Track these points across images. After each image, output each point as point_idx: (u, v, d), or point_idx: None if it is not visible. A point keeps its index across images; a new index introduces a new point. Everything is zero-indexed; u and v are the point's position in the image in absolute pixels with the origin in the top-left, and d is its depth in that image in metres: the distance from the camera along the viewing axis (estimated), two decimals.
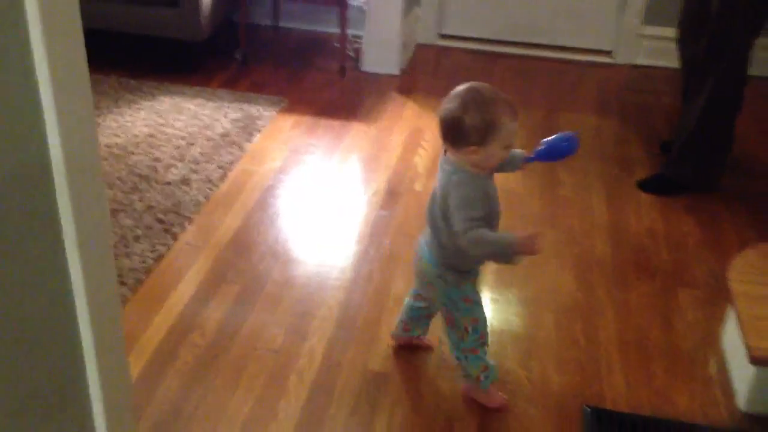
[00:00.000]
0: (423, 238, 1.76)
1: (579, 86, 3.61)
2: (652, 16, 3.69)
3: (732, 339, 1.95)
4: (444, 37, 3.97)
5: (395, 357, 1.97)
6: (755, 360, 1.74)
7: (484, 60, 3.82)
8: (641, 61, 3.79)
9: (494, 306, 2.19)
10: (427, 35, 3.94)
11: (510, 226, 2.49)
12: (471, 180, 1.59)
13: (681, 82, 2.95)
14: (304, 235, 2.46)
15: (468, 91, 1.56)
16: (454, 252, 1.65)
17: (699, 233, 2.53)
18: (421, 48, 3.92)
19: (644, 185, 2.79)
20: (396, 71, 3.60)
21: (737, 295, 1.91)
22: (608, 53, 3.83)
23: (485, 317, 1.77)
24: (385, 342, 2.01)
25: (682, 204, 2.67)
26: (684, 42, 2.85)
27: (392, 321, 2.08)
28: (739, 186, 2.82)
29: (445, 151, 1.64)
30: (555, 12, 3.81)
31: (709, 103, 2.63)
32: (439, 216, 1.65)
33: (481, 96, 1.55)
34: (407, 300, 1.92)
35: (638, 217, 2.60)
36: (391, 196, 2.68)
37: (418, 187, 2.74)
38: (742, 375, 1.86)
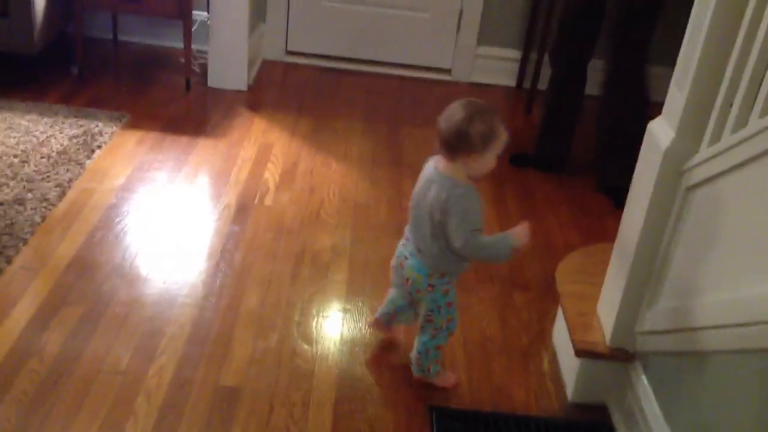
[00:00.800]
0: (405, 249, 1.84)
1: (421, 102, 3.78)
2: (485, 37, 3.94)
3: (561, 335, 2.13)
4: (291, 53, 4.01)
5: (247, 371, 1.97)
6: (579, 353, 1.92)
7: (331, 76, 3.91)
8: (477, 79, 4.02)
9: (346, 313, 2.25)
10: (274, 51, 3.97)
11: (358, 238, 2.58)
12: (471, 192, 1.71)
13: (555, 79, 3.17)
14: (152, 253, 2.41)
15: (469, 103, 1.71)
16: (448, 260, 1.78)
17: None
18: (268, 64, 3.94)
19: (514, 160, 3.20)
20: (243, 87, 3.60)
21: (564, 295, 2.09)
22: (447, 71, 4.04)
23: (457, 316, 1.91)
24: (238, 356, 2.01)
25: (515, 211, 2.87)
26: (558, 58, 3.10)
27: (245, 335, 2.09)
28: (562, 192, 3.08)
29: (435, 167, 1.74)
30: (398, 31, 3.97)
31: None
32: (431, 228, 1.73)
33: (482, 107, 1.71)
34: (391, 297, 2.02)
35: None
36: (242, 211, 2.68)
37: (268, 201, 2.76)
38: (569, 367, 2.03)
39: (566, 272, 2.19)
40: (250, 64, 3.65)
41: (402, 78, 3.98)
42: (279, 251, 2.49)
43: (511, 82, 4.02)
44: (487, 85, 4.01)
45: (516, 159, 3.22)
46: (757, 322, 1.37)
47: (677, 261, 1.71)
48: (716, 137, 1.58)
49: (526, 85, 3.93)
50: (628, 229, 1.85)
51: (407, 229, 1.87)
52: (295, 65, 3.97)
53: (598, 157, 3.12)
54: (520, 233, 1.77)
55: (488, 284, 2.45)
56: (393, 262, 1.93)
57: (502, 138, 1.70)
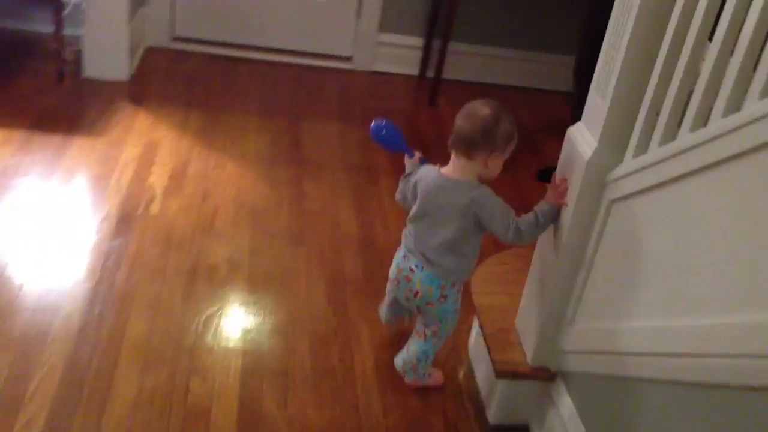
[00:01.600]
0: (408, 262, 1.79)
1: (321, 92, 3.57)
2: (387, 24, 3.76)
3: (478, 349, 2.01)
4: (178, 39, 3.69)
5: (132, 416, 1.74)
6: (500, 374, 1.79)
7: (225, 65, 3.63)
8: (379, 67, 3.84)
9: (247, 337, 2.04)
10: (159, 37, 3.65)
11: (258, 248, 2.35)
12: (489, 189, 1.69)
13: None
14: (17, 277, 2.11)
15: (490, 101, 1.68)
16: (461, 267, 1.77)
17: None
18: (152, 51, 3.61)
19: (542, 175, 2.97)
20: (124, 77, 3.27)
21: (481, 309, 1.96)
22: (348, 59, 3.84)
23: None
24: (121, 398, 1.77)
25: None
26: (581, 73, 2.80)
27: (130, 372, 1.85)
28: None
29: (439, 172, 1.72)
30: (295, 16, 3.73)
31: None
32: (455, 234, 1.70)
33: (503, 106, 1.69)
34: (390, 306, 2.00)
35: (386, 230, 2.61)
36: (125, 222, 2.40)
37: (155, 209, 2.49)
38: (488, 386, 1.91)
39: (481, 282, 2.07)
40: (132, 51, 3.32)
41: (300, 67, 3.75)
42: (168, 268, 2.24)
43: (414, 71, 3.87)
44: (389, 74, 3.84)
45: (546, 175, 2.98)
46: (683, 354, 1.28)
47: (600, 278, 1.61)
48: (642, 148, 1.47)
49: (430, 74, 3.79)
50: (548, 242, 1.73)
51: (409, 242, 1.80)
52: (183, 53, 3.66)
53: None
54: (554, 193, 1.68)
55: None
56: (393, 275, 1.85)
57: (516, 141, 1.70)
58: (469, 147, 1.67)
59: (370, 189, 2.83)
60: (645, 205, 1.45)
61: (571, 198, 1.62)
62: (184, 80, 3.42)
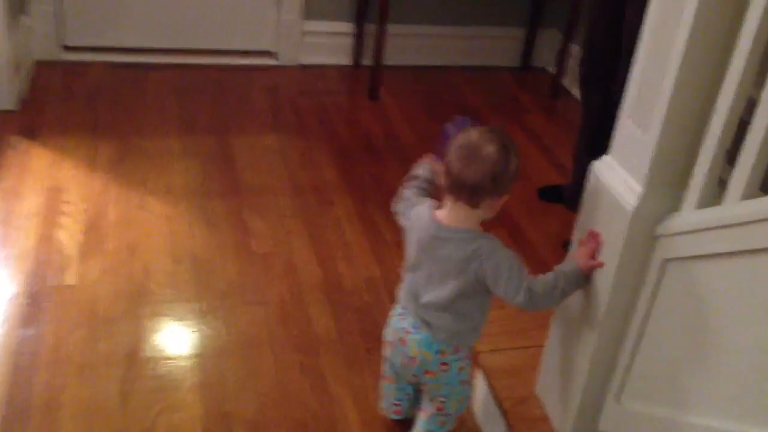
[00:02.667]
0: (403, 321, 1.50)
1: (248, 97, 3.12)
2: (311, 11, 3.33)
3: (489, 423, 1.69)
4: (70, 49, 3.16)
5: None
6: None
7: (131, 74, 3.12)
8: (307, 60, 3.42)
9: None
10: (47, 49, 3.10)
11: (209, 312, 1.94)
12: (495, 239, 1.39)
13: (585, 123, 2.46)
14: None
15: (493, 133, 1.36)
16: (463, 329, 1.47)
17: None
18: (42, 67, 3.07)
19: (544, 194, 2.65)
20: (11, 105, 2.74)
21: (490, 373, 1.65)
22: (272, 54, 3.40)
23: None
24: None
25: (392, 242, 2.37)
26: (589, 83, 2.36)
27: None
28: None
29: (434, 219, 1.42)
30: (207, 10, 3.24)
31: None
32: (456, 291, 1.40)
33: (504, 133, 1.39)
34: (393, 387, 1.63)
35: (351, 266, 2.24)
36: (36, 301, 1.95)
37: (71, 278, 2.04)
38: None
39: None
40: (16, 70, 2.79)
41: (219, 68, 3.28)
42: (98, 358, 1.81)
43: (347, 61, 3.47)
44: (320, 67, 3.43)
45: (548, 193, 2.64)
46: None
47: (655, 350, 1.30)
48: (707, 197, 1.16)
49: (366, 62, 3.40)
50: (575, 297, 1.41)
51: (404, 298, 1.52)
52: (80, 65, 3.13)
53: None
54: (584, 253, 1.36)
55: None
56: (389, 336, 1.56)
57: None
58: (475, 195, 1.36)
59: (324, 215, 2.45)
60: (716, 274, 1.14)
61: (610, 255, 1.30)
62: (85, 99, 2.91)
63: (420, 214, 1.46)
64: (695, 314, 1.20)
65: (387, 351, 1.58)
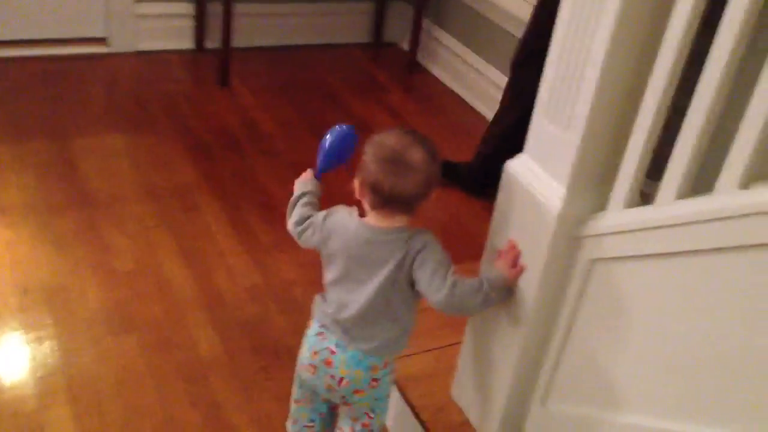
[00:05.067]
0: (325, 341, 1.34)
1: (82, 92, 2.79)
2: None
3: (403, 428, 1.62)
4: None
5: None
6: None
7: None
8: (144, 45, 3.12)
9: None
10: None
11: (69, 353, 1.70)
12: (428, 233, 1.29)
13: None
14: None
15: (409, 133, 1.26)
16: (401, 339, 1.35)
17: (303, 282, 2.12)
18: None
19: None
20: None
21: (402, 382, 1.57)
22: (102, 41, 3.05)
23: None
24: None
25: (270, 244, 2.21)
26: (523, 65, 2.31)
27: None
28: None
29: (363, 223, 1.29)
30: None
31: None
32: (398, 299, 1.30)
33: (417, 133, 1.28)
34: (308, 411, 1.47)
35: (230, 276, 2.06)
36: None
37: None
38: None
39: None
40: None
41: (45, 59, 2.91)
42: None
43: (189, 45, 3.20)
44: (159, 53, 3.14)
45: (448, 171, 2.42)
46: None
47: (581, 352, 1.28)
48: (634, 197, 1.13)
49: (210, 45, 3.15)
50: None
51: (324, 314, 1.36)
52: None
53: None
54: (506, 263, 1.29)
55: (273, 360, 1.81)
56: (307, 360, 1.38)
57: None
58: (412, 203, 1.26)
59: (191, 222, 2.24)
60: (647, 274, 1.12)
61: (534, 257, 1.24)
62: None
63: (342, 222, 1.32)
64: (622, 313, 1.17)
65: (304, 374, 1.43)
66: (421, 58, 3.37)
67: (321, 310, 1.38)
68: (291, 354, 1.83)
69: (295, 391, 1.50)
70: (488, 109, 2.95)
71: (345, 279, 1.33)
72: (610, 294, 1.19)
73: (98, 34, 3.03)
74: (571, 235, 1.21)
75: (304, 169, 1.46)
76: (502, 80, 2.89)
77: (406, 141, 1.23)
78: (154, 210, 2.25)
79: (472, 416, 1.49)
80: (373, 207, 1.27)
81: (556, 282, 1.25)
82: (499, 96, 2.91)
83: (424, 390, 1.56)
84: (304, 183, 1.45)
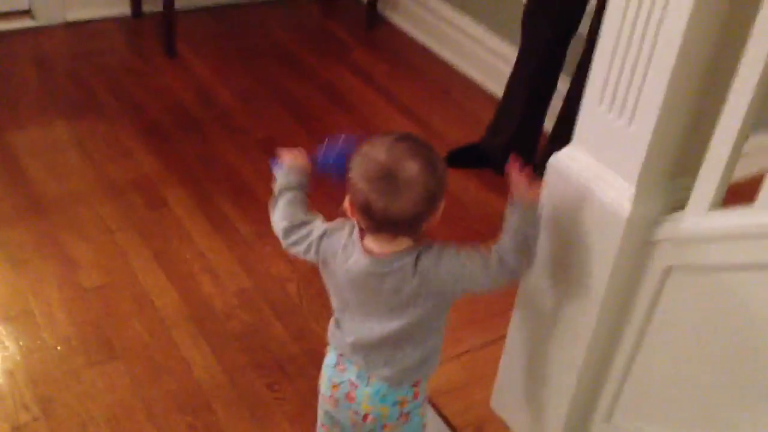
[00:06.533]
0: (346, 374, 1.19)
1: (12, 75, 2.47)
2: None
3: None
4: None
5: None
6: None
7: None
8: (73, 15, 2.78)
9: None
10: None
11: (42, 391, 1.49)
12: (433, 244, 1.11)
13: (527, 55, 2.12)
14: None
15: (400, 139, 1.05)
16: (428, 354, 1.18)
17: (293, 287, 1.92)
18: None
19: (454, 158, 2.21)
20: None
21: (433, 397, 1.42)
22: (27, 13, 2.71)
23: None
24: None
25: (253, 234, 2.00)
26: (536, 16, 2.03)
27: None
28: None
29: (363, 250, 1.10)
30: None
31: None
32: (404, 325, 1.12)
33: (415, 139, 1.07)
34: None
35: (215, 280, 1.85)
36: None
37: None
38: None
39: None
40: None
41: None
42: None
43: (124, 10, 2.88)
44: (91, 22, 2.81)
45: (458, 157, 2.22)
46: None
47: (656, 366, 1.14)
48: (719, 194, 0.98)
49: (150, 7, 2.84)
50: (541, 302, 1.20)
51: (340, 338, 1.19)
52: None
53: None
54: (522, 188, 1.10)
55: (284, 381, 1.64)
56: (328, 391, 1.23)
57: None
58: (414, 225, 1.07)
59: (160, 220, 2.00)
60: (735, 286, 0.99)
61: (600, 263, 1.09)
62: None
63: (341, 248, 1.14)
64: (706, 326, 1.04)
65: (327, 406, 1.27)
66: (382, 9, 3.12)
67: (337, 337, 1.21)
68: (297, 364, 1.67)
69: (321, 416, 1.34)
70: (466, 64, 2.74)
71: (356, 308, 1.16)
72: (691, 305, 1.06)
73: (21, 6, 2.68)
74: (642, 240, 1.06)
75: (275, 146, 1.24)
76: (478, 30, 2.69)
77: (397, 152, 1.03)
78: (117, 210, 2.01)
79: (519, 430, 1.36)
80: (368, 231, 1.08)
81: (624, 291, 1.11)
82: (479, 49, 2.71)
83: (460, 405, 1.42)
84: (291, 169, 1.21)
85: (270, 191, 1.22)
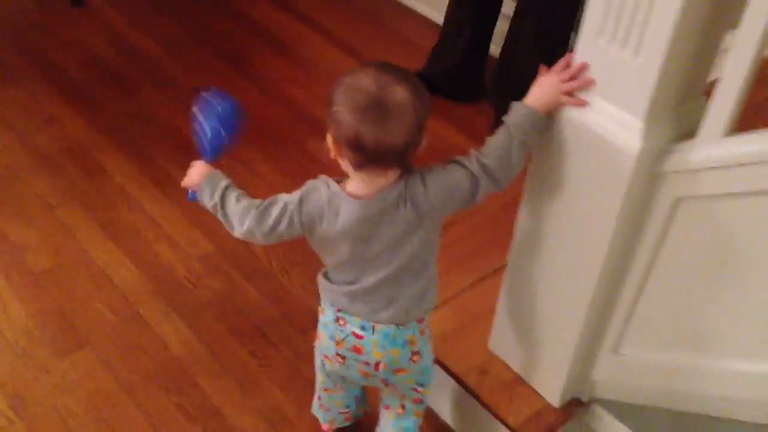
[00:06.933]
0: (346, 327, 1.15)
1: None
2: None
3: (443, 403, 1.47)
4: None
5: None
6: None
7: None
8: None
9: None
10: None
11: (15, 388, 1.39)
12: (416, 168, 1.07)
13: None
14: None
15: (383, 67, 1.00)
16: (427, 285, 1.15)
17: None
18: None
19: None
20: None
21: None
22: None
23: None
24: None
25: None
26: None
27: None
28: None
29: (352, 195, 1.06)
30: None
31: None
32: (406, 259, 1.10)
33: (397, 67, 1.02)
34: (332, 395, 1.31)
35: (174, 248, 1.74)
36: None
37: None
38: None
39: None
40: None
41: None
42: None
43: None
44: None
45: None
46: None
47: (663, 297, 1.14)
48: (732, 121, 0.96)
49: None
50: (568, 238, 1.17)
51: (338, 294, 1.15)
52: None
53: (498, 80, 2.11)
54: (561, 82, 1.06)
55: (271, 349, 1.57)
56: (332, 350, 1.19)
57: None
58: (405, 155, 1.03)
59: (103, 189, 1.87)
60: (746, 213, 0.98)
61: (609, 199, 1.06)
62: None
63: (326, 204, 1.07)
64: (717, 256, 1.05)
65: (331, 366, 1.23)
66: None
67: (331, 291, 1.16)
68: (277, 327, 1.61)
69: (323, 380, 1.30)
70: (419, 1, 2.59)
71: (355, 259, 1.11)
72: (701, 235, 1.05)
73: None
74: (651, 172, 1.03)
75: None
76: None
77: (384, 79, 0.99)
78: (53, 183, 1.85)
79: (524, 371, 1.35)
80: (357, 168, 1.03)
81: (632, 223, 1.09)
82: None
83: (458, 351, 1.39)
84: (209, 178, 1.16)
85: None
